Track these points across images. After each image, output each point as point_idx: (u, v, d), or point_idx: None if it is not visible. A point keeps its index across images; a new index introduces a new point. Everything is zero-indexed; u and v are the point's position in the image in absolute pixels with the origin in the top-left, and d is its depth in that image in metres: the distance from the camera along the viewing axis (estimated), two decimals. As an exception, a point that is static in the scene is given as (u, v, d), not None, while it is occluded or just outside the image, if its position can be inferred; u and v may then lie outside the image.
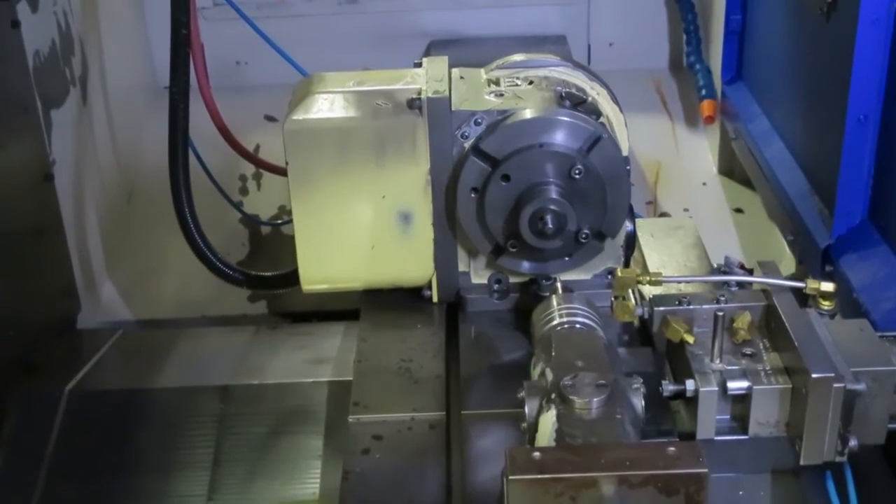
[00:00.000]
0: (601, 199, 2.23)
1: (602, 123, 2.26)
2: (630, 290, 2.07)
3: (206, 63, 2.67)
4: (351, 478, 1.94)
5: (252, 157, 2.95)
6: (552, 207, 2.16)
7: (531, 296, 2.32)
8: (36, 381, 2.65)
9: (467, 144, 2.25)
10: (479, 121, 2.25)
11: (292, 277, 2.44)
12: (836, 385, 1.74)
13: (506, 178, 2.20)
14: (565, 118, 2.20)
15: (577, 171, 2.18)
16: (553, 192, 2.17)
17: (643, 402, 1.73)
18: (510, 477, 1.45)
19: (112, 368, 2.78)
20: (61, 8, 2.97)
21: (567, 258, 2.31)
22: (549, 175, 2.20)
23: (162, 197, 2.70)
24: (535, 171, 2.20)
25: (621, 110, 2.34)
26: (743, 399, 1.84)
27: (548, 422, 1.66)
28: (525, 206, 2.17)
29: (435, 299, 2.43)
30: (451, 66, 2.39)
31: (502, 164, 2.20)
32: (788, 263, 2.77)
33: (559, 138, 2.20)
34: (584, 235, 2.22)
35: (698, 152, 3.69)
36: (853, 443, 1.79)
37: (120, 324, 3.11)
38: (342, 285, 2.44)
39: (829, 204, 2.49)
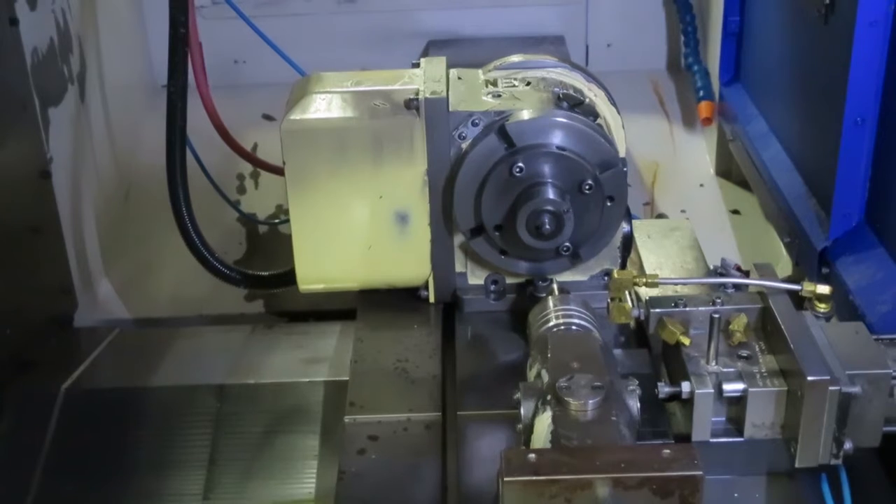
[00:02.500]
0: (595, 221, 2.23)
1: (599, 125, 2.27)
2: (626, 292, 2.07)
3: (205, 62, 2.67)
4: (346, 478, 1.94)
5: (249, 157, 2.95)
6: (548, 208, 2.16)
7: (528, 297, 2.33)
8: (32, 379, 2.65)
9: (465, 145, 2.25)
10: (477, 122, 2.25)
11: (289, 277, 2.44)
12: (831, 388, 1.74)
13: (518, 168, 2.18)
14: (594, 133, 2.21)
15: (587, 187, 2.19)
16: (553, 194, 2.17)
17: (639, 404, 1.73)
18: (505, 478, 1.46)
19: (108, 367, 2.79)
20: (60, 6, 2.97)
21: (532, 263, 2.31)
22: (558, 179, 2.20)
23: (159, 195, 2.70)
24: (546, 170, 2.20)
25: (619, 112, 2.34)
26: (738, 401, 1.84)
27: (543, 423, 1.66)
28: (524, 205, 2.17)
29: (431, 300, 2.43)
30: (449, 66, 2.39)
31: (519, 152, 2.19)
32: (785, 265, 2.78)
33: (581, 148, 2.20)
34: (565, 248, 2.23)
35: (696, 154, 3.69)
36: (848, 445, 1.79)
37: (116, 322, 3.11)
38: (339, 285, 2.44)
39: (825, 206, 2.49)
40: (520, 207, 2.17)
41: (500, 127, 2.20)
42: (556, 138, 2.20)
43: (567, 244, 2.22)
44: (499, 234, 2.25)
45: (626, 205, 2.29)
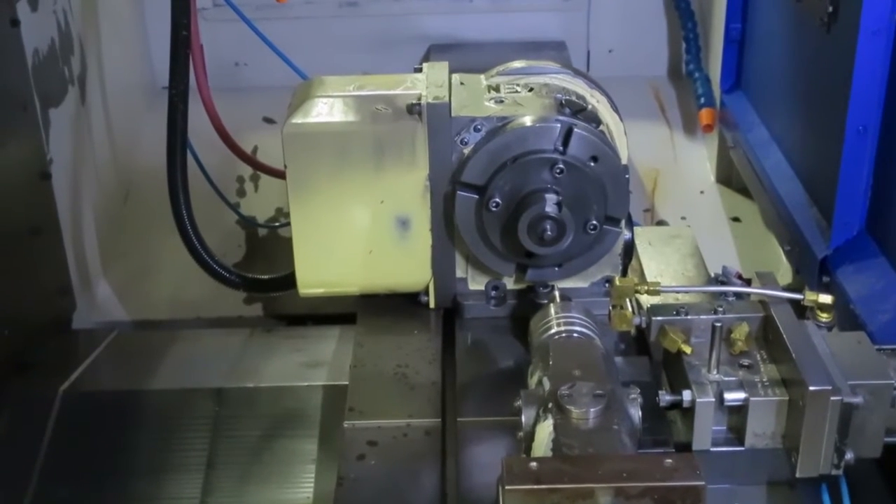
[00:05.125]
0: (597, 186, 2.22)
1: (602, 131, 2.26)
2: (628, 300, 2.06)
3: (206, 64, 2.67)
4: (345, 484, 1.94)
5: (250, 159, 2.94)
6: (548, 212, 2.16)
7: (528, 303, 2.32)
8: (30, 381, 2.65)
9: (467, 150, 2.25)
10: (479, 127, 2.25)
11: (289, 280, 2.44)
12: (833, 398, 1.74)
13: (495, 203, 2.20)
14: (530, 124, 2.20)
15: (558, 170, 2.18)
16: (544, 198, 2.17)
17: (640, 413, 1.73)
18: (507, 487, 1.45)
19: (106, 369, 2.77)
20: (61, 7, 2.97)
21: (590, 251, 2.30)
22: (535, 183, 2.20)
23: (159, 197, 2.70)
24: (521, 184, 2.20)
25: (621, 119, 2.34)
26: (739, 410, 1.84)
27: (544, 431, 1.65)
28: (520, 218, 2.17)
29: (432, 305, 2.42)
30: (450, 70, 2.39)
31: (488, 188, 2.21)
32: (785, 273, 2.77)
33: (531, 145, 2.20)
34: (591, 226, 2.22)
35: (696, 161, 3.69)
36: (849, 456, 1.79)
37: (115, 324, 3.10)
38: (339, 289, 2.43)
39: (827, 214, 2.49)
40: (515, 229, 2.18)
41: (459, 182, 2.22)
42: (507, 152, 2.20)
43: (594, 222, 2.22)
44: (535, 259, 2.26)
45: (615, 152, 2.25)
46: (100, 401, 2.63)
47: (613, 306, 2.04)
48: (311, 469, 2.43)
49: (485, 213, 2.22)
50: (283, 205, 3.18)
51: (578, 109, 2.25)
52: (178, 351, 2.84)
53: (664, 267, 2.45)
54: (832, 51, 2.44)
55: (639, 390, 1.75)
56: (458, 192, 2.23)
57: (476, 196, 2.22)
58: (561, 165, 2.18)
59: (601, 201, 2.23)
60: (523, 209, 2.18)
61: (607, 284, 2.35)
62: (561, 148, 2.19)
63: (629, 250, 2.38)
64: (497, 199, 2.20)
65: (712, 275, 2.32)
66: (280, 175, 2.33)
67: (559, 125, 2.19)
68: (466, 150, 2.25)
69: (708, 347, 1.87)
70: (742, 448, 1.85)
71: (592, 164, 2.21)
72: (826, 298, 1.97)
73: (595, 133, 2.22)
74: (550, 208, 2.16)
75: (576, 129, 2.19)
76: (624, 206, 2.27)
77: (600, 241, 2.28)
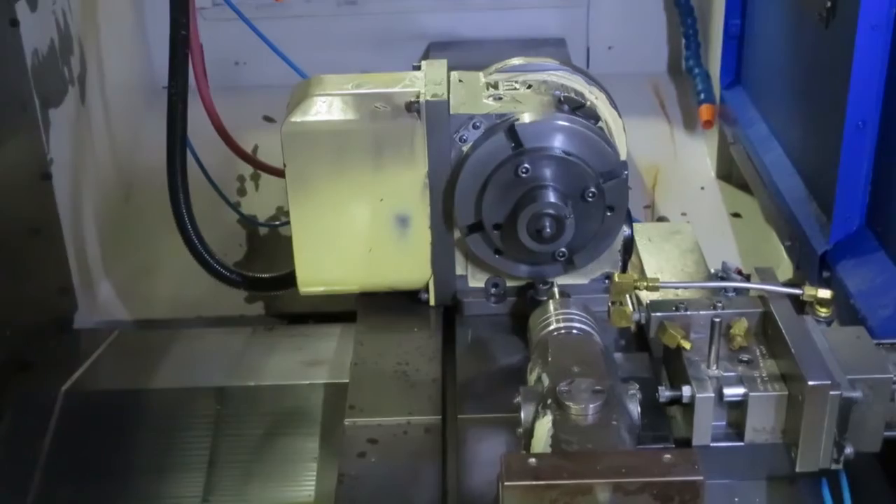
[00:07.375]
0: (594, 229, 2.24)
1: (601, 128, 2.26)
2: (627, 296, 2.06)
3: (205, 63, 2.67)
4: (346, 481, 1.94)
5: (250, 158, 2.95)
6: (550, 212, 2.16)
7: (528, 300, 2.32)
8: (32, 381, 2.65)
9: (465, 148, 2.25)
10: (478, 124, 2.25)
11: (289, 279, 2.44)
12: (832, 393, 1.74)
13: (525, 168, 2.18)
14: (600, 141, 2.21)
15: (590, 194, 2.19)
16: (562, 205, 2.17)
17: (639, 409, 1.73)
18: (505, 483, 1.45)
19: (108, 368, 2.78)
20: (60, 7, 2.98)
21: (528, 266, 2.32)
22: (564, 185, 2.20)
23: (159, 197, 2.70)
24: (553, 175, 2.19)
25: (620, 115, 2.34)
26: (739, 405, 1.84)
27: (543, 427, 1.65)
28: (536, 201, 2.17)
29: (432, 302, 2.42)
30: (449, 68, 2.39)
31: (527, 153, 2.18)
32: (786, 269, 2.77)
33: (586, 155, 2.19)
34: (560, 254, 2.23)
35: (696, 157, 3.69)
36: (849, 450, 1.78)
37: (116, 323, 3.11)
38: (339, 288, 2.44)
39: (826, 210, 2.49)
40: (522, 209, 2.17)
41: (509, 126, 2.19)
42: (563, 143, 2.19)
43: (563, 250, 2.23)
44: (497, 234, 2.25)
45: (626, 213, 2.28)
46: (101, 400, 2.64)
47: (613, 302, 2.04)
48: (312, 467, 2.43)
49: (505, 166, 2.19)
50: (284, 203, 3.15)
51: (577, 106, 2.25)
52: (180, 350, 2.85)
53: (664, 263, 2.45)
54: (831, 46, 2.44)
55: (638, 386, 1.75)
56: (501, 133, 2.19)
57: (511, 150, 2.20)
58: (594, 190, 2.18)
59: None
60: (539, 197, 2.17)
61: (607, 281, 2.35)
62: (601, 181, 2.20)
63: (629, 246, 2.38)
64: (527, 166, 2.18)
65: (712, 270, 2.32)
66: (280, 174, 2.33)
67: (616, 160, 2.21)
68: (465, 148, 2.25)
69: (707, 343, 1.88)
70: (742, 443, 1.85)
71: (609, 213, 2.23)
72: (825, 293, 1.97)
73: (626, 190, 2.25)
74: (561, 211, 2.16)
75: (624, 174, 2.22)
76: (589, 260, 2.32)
77: (544, 264, 2.31)
